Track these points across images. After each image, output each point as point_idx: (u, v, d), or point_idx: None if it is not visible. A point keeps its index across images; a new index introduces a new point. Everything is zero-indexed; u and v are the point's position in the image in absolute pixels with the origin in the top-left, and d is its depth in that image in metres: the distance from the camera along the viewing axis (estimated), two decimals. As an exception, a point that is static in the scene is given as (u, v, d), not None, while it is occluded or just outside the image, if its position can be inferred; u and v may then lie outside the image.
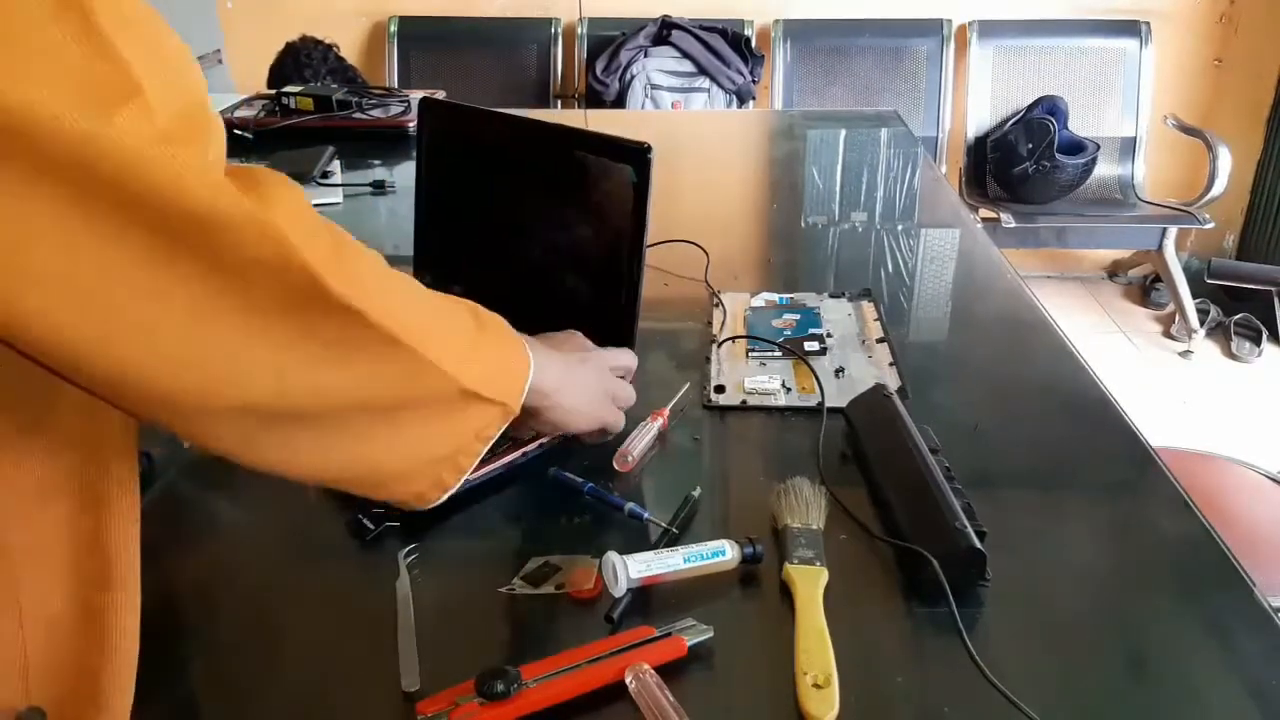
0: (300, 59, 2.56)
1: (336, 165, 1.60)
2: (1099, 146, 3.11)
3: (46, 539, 0.46)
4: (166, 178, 0.38)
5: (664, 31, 3.22)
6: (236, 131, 1.77)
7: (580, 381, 0.72)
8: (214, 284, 0.42)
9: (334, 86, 1.91)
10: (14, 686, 0.45)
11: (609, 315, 0.82)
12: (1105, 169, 3.25)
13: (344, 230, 0.49)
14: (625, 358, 0.80)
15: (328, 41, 2.67)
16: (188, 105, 0.40)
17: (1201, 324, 3.14)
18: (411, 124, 1.78)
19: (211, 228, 0.40)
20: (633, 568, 0.63)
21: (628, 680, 0.56)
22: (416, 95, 1.84)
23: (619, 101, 3.17)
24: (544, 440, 0.79)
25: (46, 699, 0.46)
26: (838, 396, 0.87)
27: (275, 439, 0.49)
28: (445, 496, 0.59)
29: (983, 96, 3.30)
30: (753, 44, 3.28)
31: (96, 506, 0.48)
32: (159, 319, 0.41)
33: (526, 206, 0.88)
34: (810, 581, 0.64)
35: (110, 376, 0.41)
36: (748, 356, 0.97)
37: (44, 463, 0.46)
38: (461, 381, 0.55)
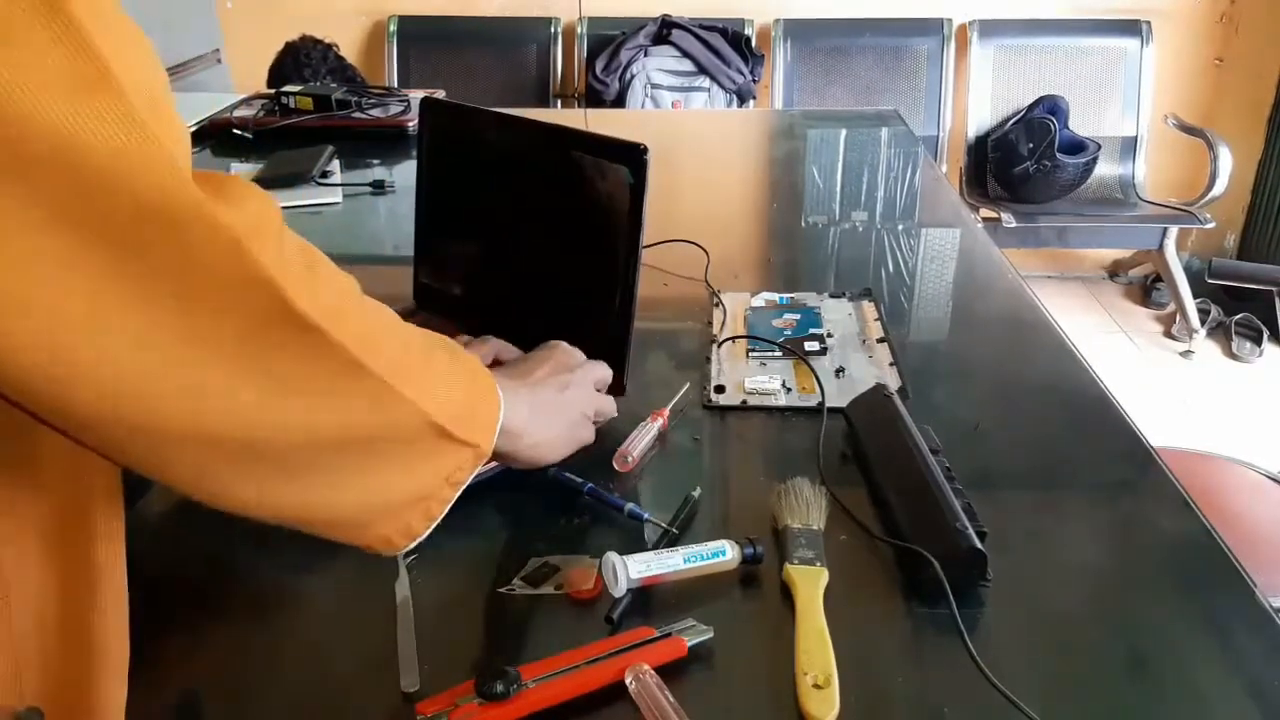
0: (300, 59, 2.56)
1: (336, 165, 1.60)
2: (1099, 146, 3.11)
3: (30, 540, 0.45)
4: (126, 165, 0.36)
5: (664, 31, 3.22)
6: (236, 131, 1.77)
7: (551, 413, 0.71)
8: (164, 289, 0.39)
9: (334, 86, 1.91)
10: (5, 687, 0.44)
11: (606, 315, 0.82)
12: (1106, 169, 3.25)
13: (318, 250, 0.47)
14: (601, 370, 0.79)
15: (327, 41, 2.66)
16: (156, 98, 0.38)
17: (1202, 324, 3.14)
18: (411, 124, 1.78)
19: (167, 225, 0.38)
20: (633, 568, 0.63)
21: (628, 681, 0.56)
22: (416, 95, 1.84)
23: (619, 101, 3.17)
24: None
25: (38, 700, 0.46)
26: (838, 396, 0.87)
27: (231, 473, 0.46)
28: (413, 544, 0.56)
29: (983, 96, 3.30)
30: (753, 43, 3.28)
31: (80, 509, 0.47)
32: (105, 324, 0.37)
33: (526, 206, 0.88)
34: (810, 582, 0.64)
35: (50, 388, 0.37)
36: (748, 356, 0.96)
37: (26, 466, 0.44)
38: (432, 417, 0.52)
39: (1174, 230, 3.14)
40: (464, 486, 0.57)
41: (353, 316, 0.48)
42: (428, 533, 0.56)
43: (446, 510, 0.57)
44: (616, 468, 0.78)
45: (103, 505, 0.49)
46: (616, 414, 0.79)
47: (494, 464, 0.75)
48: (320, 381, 0.46)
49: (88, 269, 0.36)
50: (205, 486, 0.46)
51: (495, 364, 0.80)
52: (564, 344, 0.79)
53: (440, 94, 1.56)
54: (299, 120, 1.80)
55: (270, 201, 0.44)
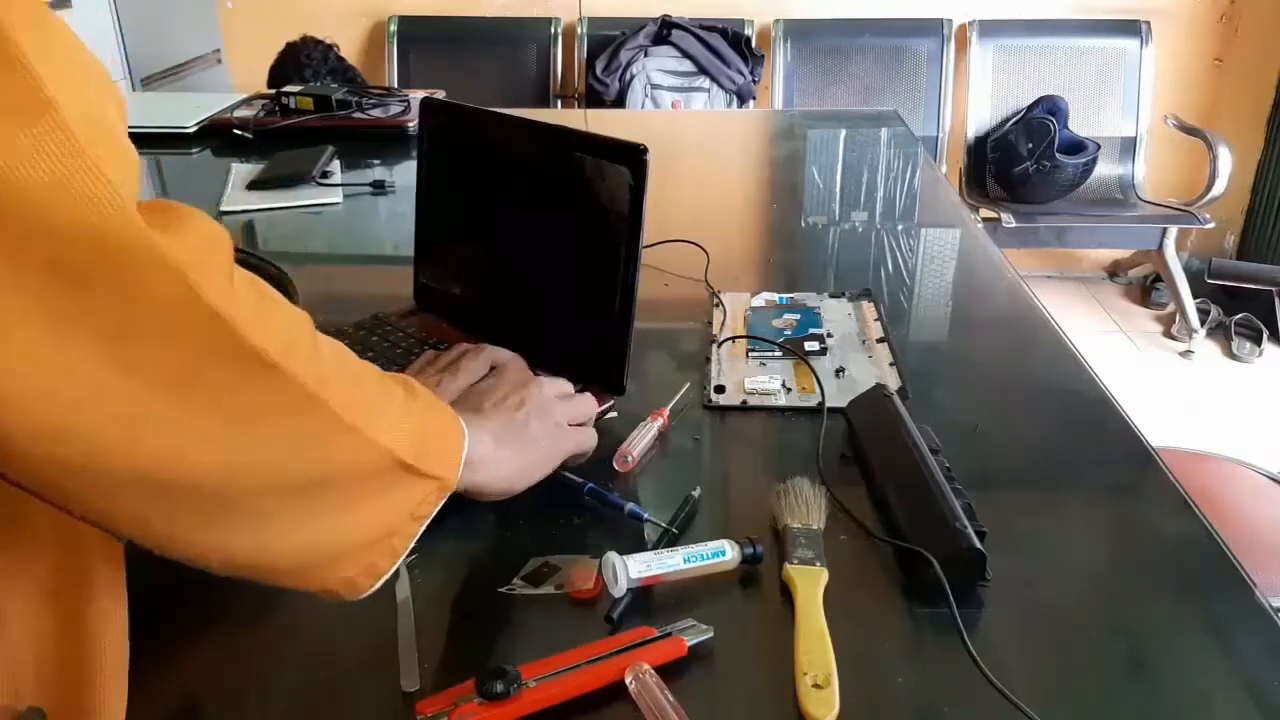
0: (301, 59, 2.56)
1: (336, 165, 1.60)
2: (1099, 146, 3.11)
3: (25, 544, 0.45)
4: (64, 197, 0.34)
5: (664, 31, 3.22)
6: (236, 131, 1.77)
7: (516, 439, 0.68)
8: (105, 321, 0.37)
9: (334, 86, 1.91)
10: (2, 689, 0.44)
11: (606, 316, 0.82)
12: (1105, 169, 3.25)
13: (269, 286, 0.46)
14: (560, 385, 0.76)
15: (329, 42, 2.67)
16: (101, 126, 0.37)
17: (1202, 324, 3.14)
18: (411, 124, 1.78)
19: (107, 257, 0.36)
20: (633, 568, 0.63)
21: (628, 680, 0.56)
22: (416, 95, 1.84)
23: (619, 101, 3.17)
24: None
25: (37, 701, 0.45)
26: (838, 396, 0.87)
27: (184, 519, 0.44)
28: (378, 584, 0.54)
29: (983, 96, 3.30)
30: (753, 44, 3.28)
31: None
32: (38, 355, 0.36)
33: (526, 207, 0.88)
34: (810, 582, 0.64)
35: None
36: (748, 356, 0.97)
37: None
38: (393, 451, 0.51)
39: (1174, 230, 3.14)
40: (428, 520, 0.56)
41: (306, 351, 0.46)
42: (390, 573, 0.54)
43: (411, 545, 0.55)
44: (616, 468, 0.78)
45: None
46: (598, 409, 0.78)
47: None
48: (274, 418, 0.45)
49: (22, 298, 0.35)
50: (154, 531, 0.44)
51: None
52: (511, 364, 0.78)
53: (440, 94, 1.56)
54: (299, 120, 1.80)
55: (220, 232, 0.42)
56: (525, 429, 0.70)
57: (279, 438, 0.45)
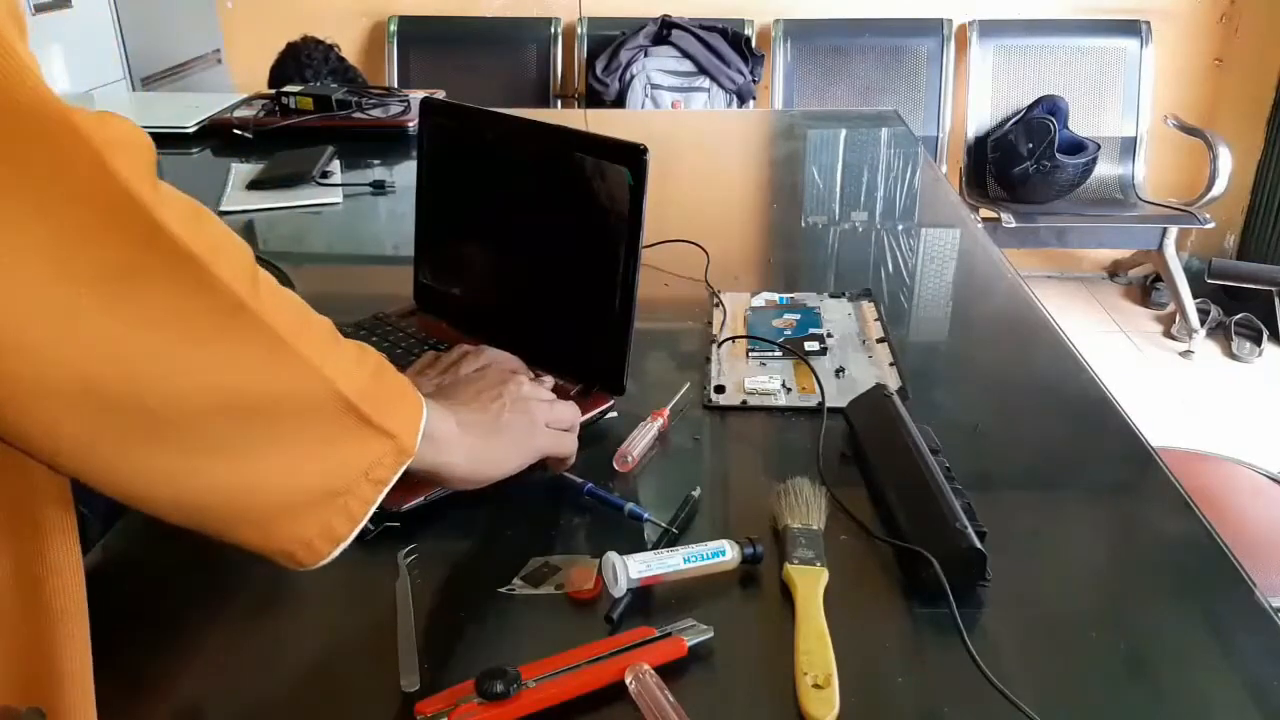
0: (301, 59, 2.56)
1: (336, 165, 1.60)
2: (1099, 146, 3.11)
3: None
4: None
5: (664, 31, 3.22)
6: (236, 131, 1.77)
7: (488, 429, 0.67)
8: (26, 204, 0.37)
9: (334, 86, 1.91)
10: None
11: (606, 316, 0.82)
12: (1105, 169, 3.25)
13: (212, 213, 0.45)
14: (545, 390, 0.76)
15: (329, 41, 2.67)
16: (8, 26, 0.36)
17: (1202, 324, 3.14)
18: (411, 124, 1.78)
19: (26, 129, 0.36)
20: (633, 568, 0.63)
21: (628, 680, 0.56)
22: (416, 95, 1.84)
23: (619, 101, 3.17)
24: None
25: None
26: (838, 396, 0.87)
27: (128, 444, 0.43)
28: (337, 551, 0.52)
29: (983, 96, 3.30)
30: (753, 44, 3.28)
31: (27, 506, 0.46)
32: None
33: (526, 207, 0.88)
34: (810, 582, 0.64)
35: None
36: (748, 356, 0.97)
37: None
38: (338, 387, 0.49)
39: (1174, 230, 3.14)
40: (388, 487, 0.54)
41: (238, 264, 0.45)
42: (350, 540, 0.53)
43: (370, 513, 0.53)
44: (616, 468, 0.78)
45: (52, 501, 0.47)
46: (581, 418, 0.77)
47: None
48: (202, 323, 0.43)
49: None
50: (100, 457, 0.42)
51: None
52: (494, 362, 0.78)
53: (440, 94, 1.56)
54: (299, 120, 1.80)
55: (141, 134, 0.42)
56: (496, 419, 0.69)
57: (214, 349, 0.44)
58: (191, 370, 0.43)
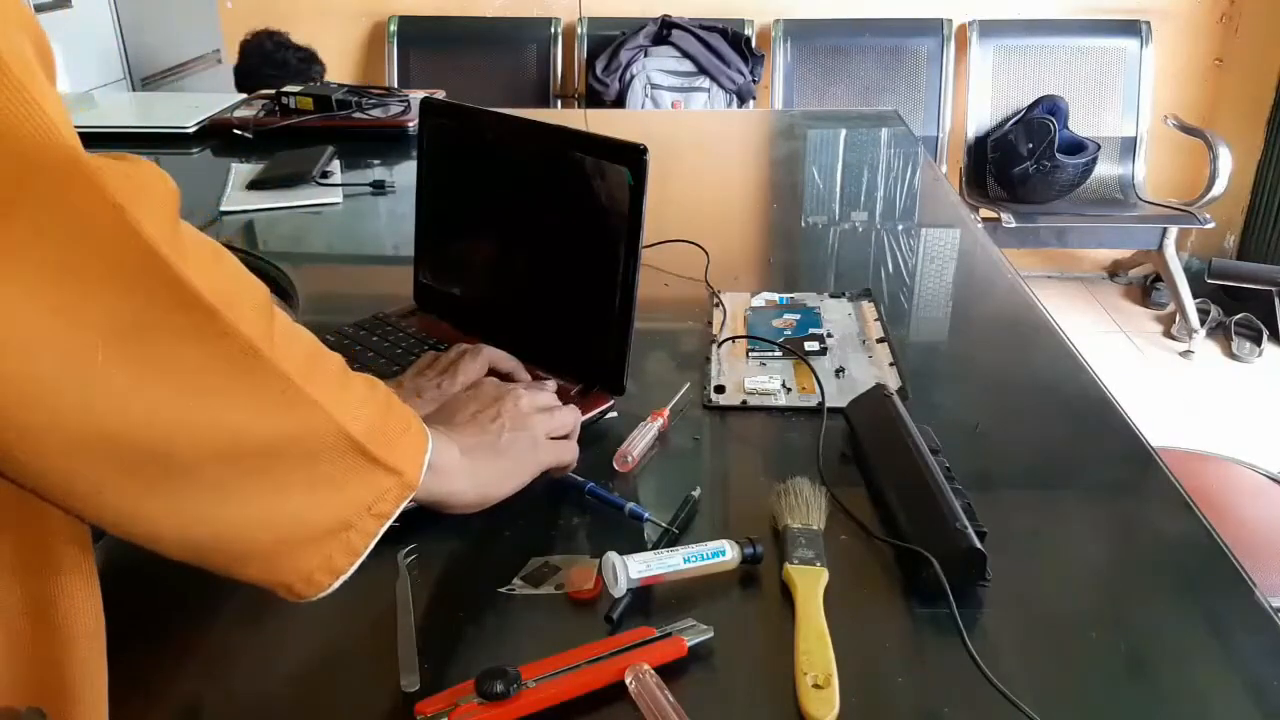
0: (266, 51, 2.57)
1: (336, 165, 1.60)
2: (1099, 146, 3.11)
3: None
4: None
5: (664, 31, 3.22)
6: (236, 131, 1.77)
7: (488, 453, 0.68)
8: (40, 257, 0.36)
9: (332, 86, 1.91)
10: None
11: (606, 316, 0.82)
12: (1105, 169, 3.25)
13: (230, 254, 0.45)
14: (543, 398, 0.76)
15: (282, 30, 2.66)
16: (34, 72, 0.35)
17: (1202, 324, 3.14)
18: (411, 124, 1.78)
19: (41, 182, 0.35)
20: (633, 568, 0.63)
21: (628, 680, 0.56)
22: (416, 95, 1.84)
23: (619, 101, 3.17)
24: None
25: (8, 677, 0.44)
26: (838, 396, 0.87)
27: (134, 488, 0.42)
28: (336, 584, 0.52)
29: (983, 96, 3.31)
30: (753, 44, 3.28)
31: (43, 538, 0.45)
32: None
33: (526, 207, 0.89)
34: (810, 582, 0.64)
35: None
36: (748, 356, 0.97)
37: None
38: (346, 429, 0.50)
39: (1174, 230, 3.14)
40: (389, 521, 0.54)
41: (254, 310, 0.45)
42: (350, 573, 0.53)
43: (371, 546, 0.53)
44: (616, 468, 0.78)
45: (68, 540, 0.47)
46: (580, 419, 0.77)
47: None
48: (217, 372, 0.43)
49: None
50: (108, 503, 0.43)
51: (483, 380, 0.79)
52: (487, 380, 0.78)
53: (440, 94, 1.56)
54: (299, 120, 1.80)
55: (167, 181, 0.42)
56: (497, 440, 0.69)
57: (228, 397, 0.44)
58: (204, 417, 0.43)
